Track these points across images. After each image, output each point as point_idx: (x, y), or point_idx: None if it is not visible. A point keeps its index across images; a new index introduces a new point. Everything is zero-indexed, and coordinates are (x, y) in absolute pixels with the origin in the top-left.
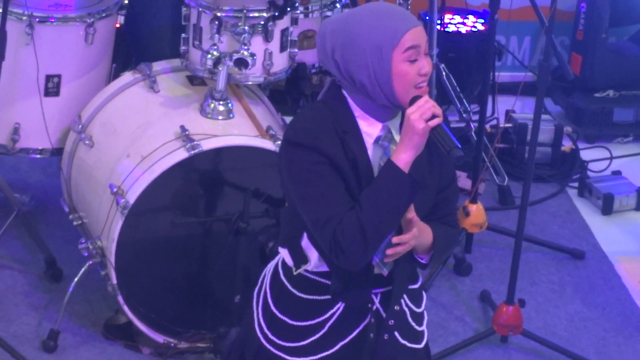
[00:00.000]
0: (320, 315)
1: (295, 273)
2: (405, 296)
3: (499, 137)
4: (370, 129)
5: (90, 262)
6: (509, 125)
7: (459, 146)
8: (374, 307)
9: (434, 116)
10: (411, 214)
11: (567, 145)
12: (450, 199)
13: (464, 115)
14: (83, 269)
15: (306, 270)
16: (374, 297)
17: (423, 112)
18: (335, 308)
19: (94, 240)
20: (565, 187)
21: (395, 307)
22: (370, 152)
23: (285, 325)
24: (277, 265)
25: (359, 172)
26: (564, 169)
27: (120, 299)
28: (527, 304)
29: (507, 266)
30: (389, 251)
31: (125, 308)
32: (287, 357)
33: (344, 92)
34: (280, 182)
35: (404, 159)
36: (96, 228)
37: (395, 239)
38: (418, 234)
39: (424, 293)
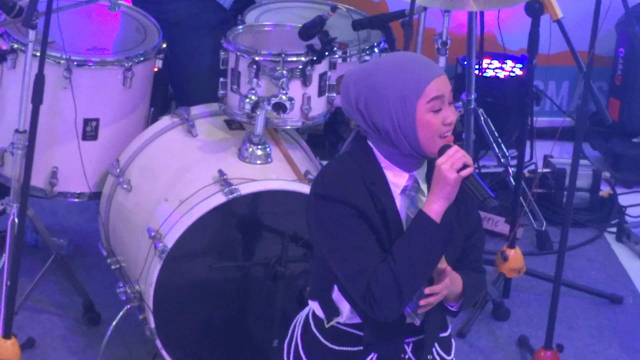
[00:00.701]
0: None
1: (327, 326)
2: (436, 344)
3: (537, 182)
4: (397, 179)
5: (128, 306)
6: (547, 170)
7: (493, 195)
8: (407, 357)
9: (465, 166)
10: (443, 264)
11: (605, 190)
12: (477, 245)
13: (502, 160)
14: (121, 313)
15: (338, 322)
16: (406, 347)
17: (454, 162)
18: (368, 359)
19: (132, 284)
20: (603, 232)
21: (429, 357)
22: (398, 202)
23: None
24: (307, 316)
25: (389, 223)
26: (602, 214)
27: (158, 343)
28: (565, 349)
29: (545, 311)
30: (422, 302)
31: (164, 352)
32: None
33: (370, 142)
34: (309, 235)
35: (435, 209)
36: (134, 272)
37: (427, 290)
38: (449, 284)
39: (452, 340)
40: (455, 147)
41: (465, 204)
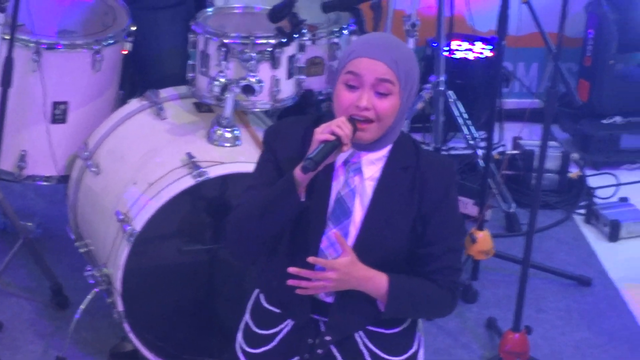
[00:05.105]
0: (274, 327)
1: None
2: (363, 336)
3: (506, 164)
4: (346, 153)
5: (97, 290)
6: (516, 152)
7: (309, 158)
8: (325, 339)
9: (335, 135)
10: (336, 262)
11: (574, 172)
12: (436, 256)
13: (471, 142)
14: (89, 297)
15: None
16: (321, 325)
17: (330, 126)
18: (285, 324)
19: (100, 267)
20: (572, 214)
21: (326, 338)
22: (335, 174)
23: (250, 331)
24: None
25: (313, 187)
26: (571, 196)
27: (126, 326)
28: (533, 331)
29: (514, 293)
30: (290, 281)
31: (132, 335)
32: None
33: None
34: None
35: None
36: (102, 255)
37: (291, 269)
38: (338, 277)
39: (416, 342)
40: (343, 118)
41: (422, 194)
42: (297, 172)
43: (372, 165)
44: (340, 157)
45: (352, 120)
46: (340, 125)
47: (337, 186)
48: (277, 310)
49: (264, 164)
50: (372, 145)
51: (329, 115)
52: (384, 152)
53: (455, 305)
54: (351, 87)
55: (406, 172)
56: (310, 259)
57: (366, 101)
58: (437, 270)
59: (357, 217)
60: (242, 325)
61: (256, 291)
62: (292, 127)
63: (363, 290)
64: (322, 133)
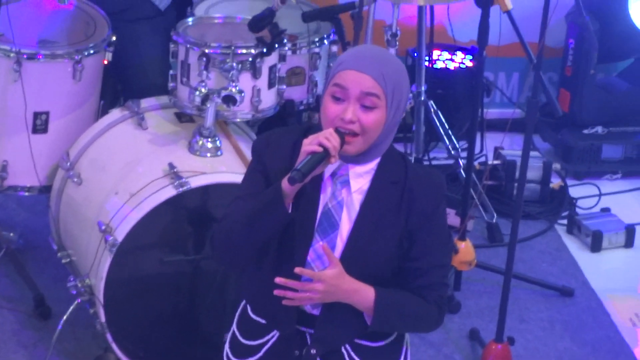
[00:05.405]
0: (260, 338)
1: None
2: (349, 350)
3: (488, 174)
4: (334, 165)
5: (79, 300)
6: (498, 162)
7: (297, 169)
8: (312, 352)
9: (324, 147)
10: (317, 273)
11: (555, 182)
12: (423, 271)
13: (453, 152)
14: (71, 307)
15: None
16: (307, 337)
17: (318, 137)
18: (271, 335)
19: (83, 278)
20: (554, 224)
21: (312, 351)
22: (324, 186)
23: (237, 342)
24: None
25: (299, 200)
26: (552, 206)
27: (108, 336)
28: (516, 342)
29: (496, 304)
30: (276, 292)
31: (114, 346)
32: None
33: None
34: None
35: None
36: (85, 266)
37: (278, 279)
38: (326, 289)
39: (402, 356)
40: (330, 130)
41: (410, 208)
42: (285, 183)
43: (360, 178)
44: (328, 169)
45: (339, 132)
46: (328, 137)
47: (324, 198)
48: (263, 321)
49: (252, 174)
50: (359, 158)
51: (319, 127)
52: (372, 165)
53: (441, 320)
54: (337, 99)
55: (394, 186)
56: (297, 270)
57: (351, 114)
58: (423, 286)
59: (344, 230)
60: (229, 336)
61: (243, 302)
62: (282, 137)
63: (349, 302)
64: (309, 144)
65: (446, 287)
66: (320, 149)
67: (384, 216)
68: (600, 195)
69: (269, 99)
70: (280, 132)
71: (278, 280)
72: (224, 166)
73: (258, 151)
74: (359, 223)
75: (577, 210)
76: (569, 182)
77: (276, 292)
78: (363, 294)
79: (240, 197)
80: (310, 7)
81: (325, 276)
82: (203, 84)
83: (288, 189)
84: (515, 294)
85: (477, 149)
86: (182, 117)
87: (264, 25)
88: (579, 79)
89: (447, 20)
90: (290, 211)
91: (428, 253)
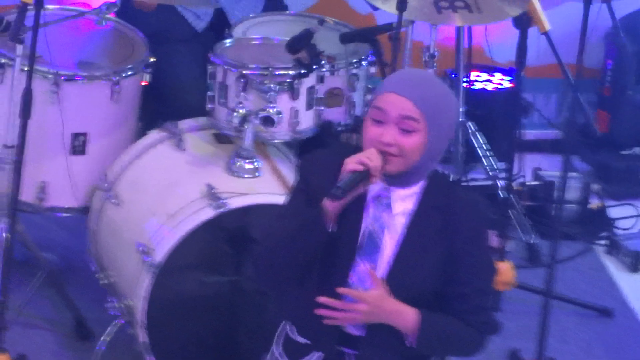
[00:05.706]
0: (300, 358)
1: None
2: None
3: (527, 195)
4: (376, 185)
5: (119, 321)
6: (537, 183)
7: (337, 186)
8: None
9: (364, 165)
10: (361, 294)
11: (594, 202)
12: (466, 296)
13: (492, 173)
14: (110, 328)
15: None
16: (347, 358)
17: (360, 157)
18: (310, 355)
19: (122, 299)
20: (593, 245)
21: None
22: (366, 208)
23: None
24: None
25: (344, 221)
26: (591, 226)
27: (148, 358)
28: None
29: (536, 324)
30: (319, 310)
31: None
32: None
33: None
34: None
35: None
36: (124, 287)
37: (321, 299)
38: (369, 310)
39: None
40: (373, 150)
41: (454, 230)
42: (326, 201)
43: (402, 201)
44: (371, 192)
45: (382, 152)
46: (369, 157)
47: (366, 220)
48: (304, 341)
49: (296, 194)
50: (402, 181)
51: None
52: (415, 188)
53: (484, 345)
54: (377, 122)
55: (438, 211)
56: (342, 290)
57: (389, 137)
58: (467, 310)
59: (386, 253)
60: (268, 356)
61: (282, 323)
62: (327, 157)
63: (392, 324)
64: (351, 163)
65: (489, 311)
66: (361, 168)
67: (428, 241)
68: (639, 215)
69: (307, 120)
70: (326, 153)
71: (321, 299)
72: (263, 187)
73: (303, 171)
74: (403, 247)
75: (616, 230)
76: (608, 202)
77: (319, 311)
78: (406, 316)
79: (282, 216)
80: (348, 29)
81: (369, 297)
82: (241, 105)
83: (329, 207)
84: (554, 314)
85: (515, 170)
86: (220, 138)
87: (301, 47)
88: (617, 100)
89: (485, 41)
90: (331, 229)
91: (472, 278)
